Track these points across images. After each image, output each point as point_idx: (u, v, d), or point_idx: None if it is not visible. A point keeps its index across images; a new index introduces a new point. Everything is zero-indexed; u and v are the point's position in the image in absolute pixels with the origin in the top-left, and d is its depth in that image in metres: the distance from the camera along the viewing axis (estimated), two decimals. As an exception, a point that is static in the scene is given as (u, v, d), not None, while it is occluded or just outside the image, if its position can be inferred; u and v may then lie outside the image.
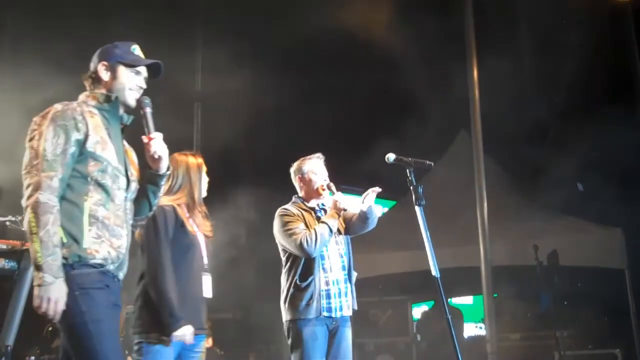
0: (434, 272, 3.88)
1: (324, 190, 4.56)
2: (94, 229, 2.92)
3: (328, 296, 4.33)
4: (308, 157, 4.69)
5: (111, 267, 2.96)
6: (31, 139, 2.92)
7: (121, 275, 3.05)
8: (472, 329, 11.16)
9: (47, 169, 2.85)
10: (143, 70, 3.20)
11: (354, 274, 4.55)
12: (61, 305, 2.74)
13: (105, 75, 3.13)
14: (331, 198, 4.49)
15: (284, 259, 4.49)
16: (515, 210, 9.96)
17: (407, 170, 4.05)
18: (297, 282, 4.32)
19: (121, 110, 3.14)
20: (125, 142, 3.20)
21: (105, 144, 3.01)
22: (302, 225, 4.39)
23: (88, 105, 3.07)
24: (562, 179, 10.47)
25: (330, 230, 4.34)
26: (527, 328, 9.29)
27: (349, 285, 4.47)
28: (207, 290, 3.91)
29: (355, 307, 4.52)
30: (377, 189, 4.50)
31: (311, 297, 4.28)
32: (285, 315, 4.36)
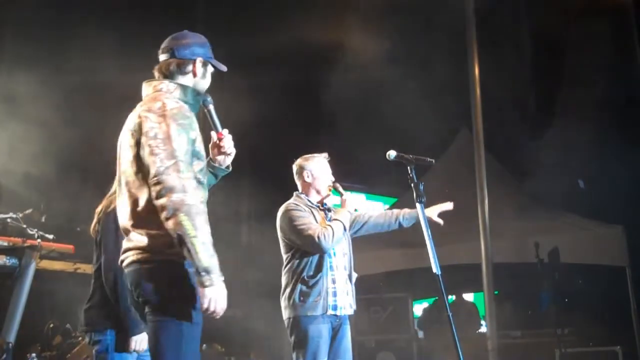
0: (435, 269, 3.89)
1: (330, 189, 4.58)
2: None
3: (334, 294, 4.33)
4: (312, 155, 4.68)
5: None
6: (154, 138, 2.85)
7: None
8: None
9: (185, 170, 2.82)
10: None
11: (354, 275, 4.56)
12: (226, 303, 2.79)
13: (199, 72, 3.12)
14: (342, 198, 4.52)
15: (287, 254, 4.46)
16: (516, 207, 9.95)
17: (408, 168, 4.07)
18: (306, 278, 4.30)
19: None
20: None
21: (201, 142, 3.03)
22: (314, 221, 4.39)
23: (174, 97, 3.02)
24: (563, 176, 10.46)
25: (345, 229, 4.37)
26: (527, 325, 9.29)
27: (350, 284, 4.48)
28: None
29: (355, 307, 4.53)
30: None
31: (319, 294, 4.27)
32: (289, 312, 4.33)
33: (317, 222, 4.40)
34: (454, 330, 3.76)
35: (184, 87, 3.06)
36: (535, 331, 9.15)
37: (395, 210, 4.88)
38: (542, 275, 8.41)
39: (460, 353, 3.65)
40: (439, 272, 3.88)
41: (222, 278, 2.78)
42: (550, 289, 8.76)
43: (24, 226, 6.33)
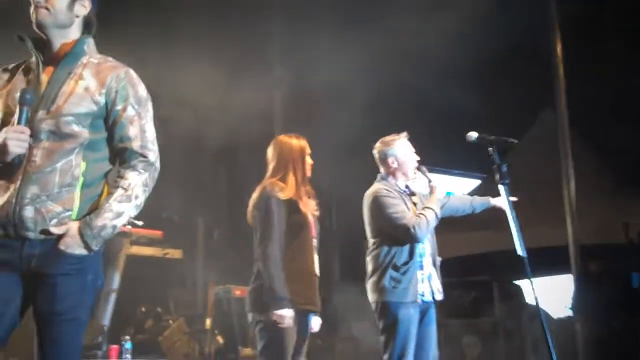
0: (520, 251, 3.82)
1: (416, 172, 4.53)
2: None
3: (422, 280, 4.32)
4: (392, 137, 4.59)
5: (5, 230, 2.55)
6: None
7: (29, 234, 2.56)
8: (560, 311, 10.93)
9: None
10: None
11: (438, 259, 4.52)
12: None
13: None
14: (432, 184, 4.47)
15: (375, 240, 4.42)
16: (604, 187, 9.70)
17: (490, 149, 3.99)
18: (398, 264, 4.28)
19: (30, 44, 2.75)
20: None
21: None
22: (406, 208, 4.35)
23: None
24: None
25: (436, 216, 4.34)
26: (616, 309, 9.04)
27: (435, 269, 4.45)
28: (317, 269, 4.02)
29: (442, 292, 4.49)
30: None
31: (410, 282, 4.25)
32: (378, 297, 4.30)
33: (408, 209, 4.36)
34: (542, 315, 3.69)
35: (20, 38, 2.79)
36: (624, 314, 8.89)
37: (469, 196, 4.97)
38: (632, 256, 8.18)
39: (549, 339, 3.58)
40: (525, 255, 3.81)
41: None
42: (640, 270, 8.50)
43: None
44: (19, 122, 2.53)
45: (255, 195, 3.99)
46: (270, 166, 4.07)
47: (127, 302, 6.76)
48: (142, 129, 2.75)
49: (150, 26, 7.70)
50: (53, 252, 2.55)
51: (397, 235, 4.30)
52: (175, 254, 7.44)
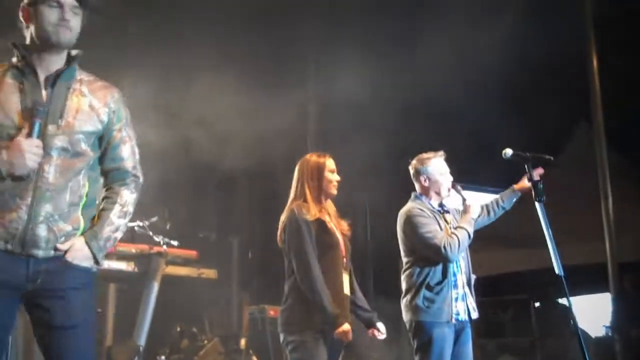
0: (557, 270, 3.76)
1: (450, 191, 4.49)
2: None
3: (456, 299, 4.27)
4: (428, 156, 4.56)
5: (9, 247, 2.50)
6: None
7: (39, 252, 2.53)
8: (598, 329, 10.76)
9: None
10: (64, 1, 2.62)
11: (473, 277, 4.47)
12: None
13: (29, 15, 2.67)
14: (466, 204, 4.42)
15: (409, 259, 4.40)
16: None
17: (526, 166, 3.97)
18: (431, 284, 4.25)
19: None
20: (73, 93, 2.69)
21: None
22: (438, 228, 4.32)
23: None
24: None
25: (469, 236, 4.29)
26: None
27: (469, 287, 4.40)
28: (346, 289, 3.98)
29: (477, 311, 4.44)
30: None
31: (444, 301, 4.21)
32: (412, 316, 4.27)
33: (441, 228, 4.33)
34: (580, 334, 3.63)
35: (15, 46, 2.68)
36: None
37: (493, 200, 4.74)
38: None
39: (587, 357, 3.52)
40: (562, 273, 3.76)
41: None
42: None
43: (150, 234, 6.62)
44: (30, 135, 2.49)
45: (283, 218, 3.97)
46: (293, 186, 4.05)
47: (162, 322, 6.79)
48: (132, 150, 2.83)
49: (176, 49, 7.79)
50: (60, 267, 2.56)
51: (429, 255, 4.27)
52: (210, 274, 7.47)
